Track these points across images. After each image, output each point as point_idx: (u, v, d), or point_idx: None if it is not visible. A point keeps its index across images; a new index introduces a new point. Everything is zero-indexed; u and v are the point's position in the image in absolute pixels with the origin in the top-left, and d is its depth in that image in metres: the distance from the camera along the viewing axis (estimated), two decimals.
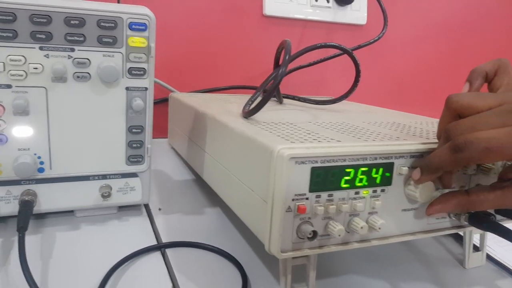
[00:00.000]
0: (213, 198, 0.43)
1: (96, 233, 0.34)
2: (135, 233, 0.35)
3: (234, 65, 0.65)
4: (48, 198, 0.34)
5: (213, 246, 0.32)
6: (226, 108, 0.42)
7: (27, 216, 0.30)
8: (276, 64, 0.47)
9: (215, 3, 0.61)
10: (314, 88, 0.71)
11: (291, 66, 0.50)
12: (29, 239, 0.31)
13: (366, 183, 0.25)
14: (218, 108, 0.42)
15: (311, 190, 0.24)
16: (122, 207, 0.38)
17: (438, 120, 0.26)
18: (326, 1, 0.65)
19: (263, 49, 0.64)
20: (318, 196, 0.24)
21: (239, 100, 0.50)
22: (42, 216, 0.36)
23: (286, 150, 0.23)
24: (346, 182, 0.25)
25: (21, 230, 0.29)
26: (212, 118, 0.37)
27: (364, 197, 0.25)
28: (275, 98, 0.52)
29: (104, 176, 0.35)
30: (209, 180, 0.38)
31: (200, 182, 0.47)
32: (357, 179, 0.25)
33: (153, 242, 0.33)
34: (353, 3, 0.65)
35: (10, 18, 0.28)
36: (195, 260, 0.31)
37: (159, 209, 0.39)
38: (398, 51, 0.75)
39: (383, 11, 0.61)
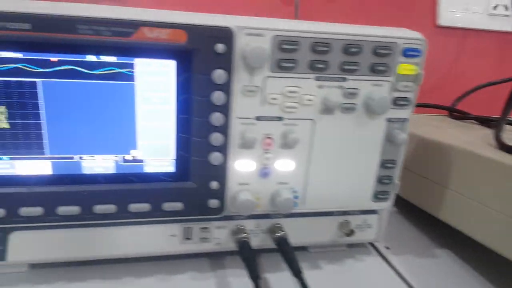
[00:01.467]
0: (436, 236, 0.37)
1: (341, 274, 0.31)
2: (379, 276, 0.31)
3: None
4: (292, 233, 0.31)
5: None
6: (455, 135, 0.36)
7: (294, 257, 0.28)
8: None
9: (386, 11, 0.56)
10: (485, 107, 0.63)
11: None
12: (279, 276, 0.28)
13: None
14: (442, 134, 0.37)
15: None
16: (350, 244, 0.34)
17: None
18: (504, 9, 0.56)
19: (435, 61, 0.58)
20: None
21: (444, 124, 0.44)
22: None
23: None
24: None
25: (299, 275, 0.26)
26: (459, 149, 0.32)
27: None
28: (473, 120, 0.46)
29: (344, 212, 0.32)
30: (456, 221, 0.33)
31: (408, 214, 0.42)
32: None
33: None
34: None
35: (294, 47, 0.26)
36: None
37: (387, 248, 0.35)
38: None
39: None
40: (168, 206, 0.28)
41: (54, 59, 0.23)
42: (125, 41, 0.23)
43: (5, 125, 0.24)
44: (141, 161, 0.27)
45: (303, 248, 0.33)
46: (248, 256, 0.28)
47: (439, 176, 0.34)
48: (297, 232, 0.31)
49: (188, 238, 0.30)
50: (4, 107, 0.23)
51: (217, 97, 0.26)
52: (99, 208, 0.26)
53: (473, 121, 0.46)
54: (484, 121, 0.44)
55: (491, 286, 0.30)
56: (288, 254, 0.28)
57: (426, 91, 0.59)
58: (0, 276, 0.28)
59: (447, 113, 0.49)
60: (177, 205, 0.28)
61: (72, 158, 0.26)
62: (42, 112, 0.24)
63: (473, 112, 0.47)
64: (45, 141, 0.25)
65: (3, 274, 0.28)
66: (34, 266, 0.29)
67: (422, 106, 0.56)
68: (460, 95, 0.51)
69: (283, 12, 0.51)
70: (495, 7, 0.57)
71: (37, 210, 0.25)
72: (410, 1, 0.57)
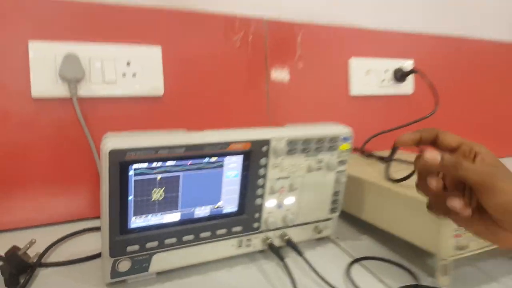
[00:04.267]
0: (357, 225, 0.69)
1: (315, 251, 0.60)
2: (336, 253, 0.61)
3: None
4: (292, 235, 0.59)
5: (391, 260, 0.59)
6: (367, 173, 0.69)
7: (297, 247, 0.56)
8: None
9: (319, 92, 0.88)
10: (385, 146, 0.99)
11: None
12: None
13: None
14: (361, 172, 0.69)
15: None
16: (319, 238, 0.64)
17: None
18: (387, 81, 0.93)
19: (349, 116, 0.92)
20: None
21: (357, 161, 0.77)
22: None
23: None
24: None
25: (301, 255, 0.54)
26: (372, 183, 0.64)
27: None
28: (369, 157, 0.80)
29: (316, 221, 0.61)
30: (370, 217, 0.65)
31: (345, 218, 0.73)
32: None
33: (347, 259, 0.59)
34: (404, 82, 0.94)
35: (294, 146, 0.54)
36: (380, 268, 0.58)
37: (337, 238, 0.65)
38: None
39: (433, 88, 0.90)
40: (234, 229, 0.53)
41: (189, 162, 0.47)
42: (223, 152, 0.49)
43: (160, 197, 0.47)
44: (222, 207, 0.52)
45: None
46: (276, 250, 0.55)
47: (360, 195, 0.66)
48: (293, 235, 0.59)
49: (240, 246, 0.56)
50: (162, 188, 0.47)
51: (261, 172, 0.52)
52: (203, 235, 0.51)
53: (374, 158, 0.80)
54: (380, 159, 0.78)
55: (388, 249, 0.63)
56: (293, 246, 0.56)
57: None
58: (142, 281, 0.50)
59: (359, 152, 0.83)
60: (239, 228, 0.54)
61: (191, 209, 0.50)
62: (180, 188, 0.48)
63: (378, 149, 0.81)
64: (179, 202, 0.48)
65: (144, 279, 0.50)
66: (159, 273, 0.52)
67: None
68: (366, 140, 0.85)
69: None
70: (383, 80, 0.93)
71: (173, 240, 0.49)
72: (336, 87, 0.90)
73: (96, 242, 0.56)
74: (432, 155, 0.36)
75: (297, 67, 0.83)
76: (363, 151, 0.84)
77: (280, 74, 0.80)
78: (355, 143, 0.86)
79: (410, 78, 0.97)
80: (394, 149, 0.73)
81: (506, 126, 1.19)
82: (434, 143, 0.41)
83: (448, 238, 0.52)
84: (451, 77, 1.07)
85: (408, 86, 0.97)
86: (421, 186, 0.40)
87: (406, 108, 0.97)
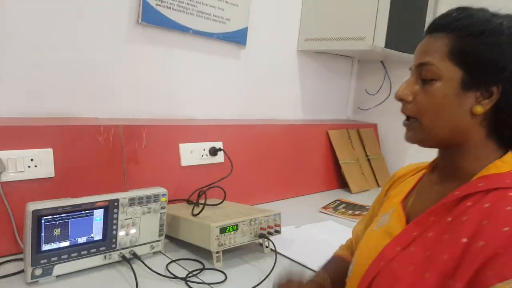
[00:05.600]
0: (178, 244, 1.23)
1: (153, 261, 1.12)
2: (163, 259, 1.14)
3: (170, 193, 1.45)
4: (137, 251, 1.10)
5: (190, 258, 1.14)
6: (182, 212, 1.24)
7: (141, 259, 1.07)
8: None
9: (160, 165, 1.44)
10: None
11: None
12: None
13: (233, 229, 1.13)
14: (179, 212, 1.24)
15: (220, 233, 1.10)
16: (153, 252, 1.15)
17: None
18: (206, 156, 1.55)
19: (180, 184, 1.48)
20: (221, 232, 1.11)
21: (181, 207, 1.33)
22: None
23: (215, 224, 1.09)
24: (230, 230, 1.12)
25: (137, 260, 1.06)
26: (183, 217, 1.20)
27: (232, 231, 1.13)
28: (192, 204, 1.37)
29: (151, 242, 1.13)
30: (182, 236, 1.20)
31: (169, 238, 1.27)
32: (229, 228, 1.13)
33: (168, 261, 1.13)
34: (217, 156, 1.58)
35: (134, 201, 1.07)
36: (185, 263, 1.12)
37: (165, 252, 1.18)
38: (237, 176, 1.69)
39: (230, 160, 1.54)
40: (101, 249, 1.03)
41: (74, 214, 0.96)
42: (92, 207, 0.99)
43: (58, 233, 0.94)
44: (93, 236, 1.01)
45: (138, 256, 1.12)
46: (126, 259, 1.05)
47: (178, 225, 1.21)
48: (138, 250, 1.10)
49: (105, 258, 1.04)
50: (59, 228, 0.94)
51: (115, 216, 1.04)
52: (83, 252, 0.99)
53: (193, 204, 1.37)
54: (196, 204, 1.35)
55: (193, 253, 1.18)
56: (137, 256, 1.07)
57: (181, 195, 1.49)
58: (47, 281, 0.94)
59: (185, 202, 1.40)
60: (103, 248, 1.03)
61: (76, 239, 0.97)
62: (69, 227, 0.96)
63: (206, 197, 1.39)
64: (69, 235, 0.96)
65: (48, 281, 0.95)
66: (58, 276, 0.96)
67: (175, 200, 1.45)
68: (190, 194, 1.43)
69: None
70: (202, 155, 1.54)
71: (66, 256, 0.96)
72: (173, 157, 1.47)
73: (14, 267, 0.99)
74: None
75: (144, 151, 1.38)
76: (188, 200, 1.41)
77: (132, 157, 1.34)
78: (184, 196, 1.44)
79: (221, 153, 1.61)
80: (198, 197, 1.32)
81: (292, 178, 1.92)
82: None
83: (214, 240, 1.09)
84: (249, 149, 1.75)
85: (220, 158, 1.61)
86: None
87: (220, 172, 1.59)
